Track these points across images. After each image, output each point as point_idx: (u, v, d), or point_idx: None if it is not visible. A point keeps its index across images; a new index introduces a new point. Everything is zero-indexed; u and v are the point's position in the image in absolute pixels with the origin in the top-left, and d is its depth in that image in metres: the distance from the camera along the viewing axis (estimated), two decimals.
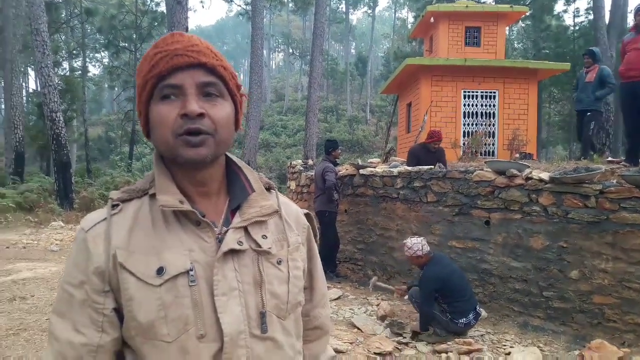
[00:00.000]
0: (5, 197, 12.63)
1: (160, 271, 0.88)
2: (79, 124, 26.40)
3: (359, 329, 4.98)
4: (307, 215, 1.17)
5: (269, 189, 1.09)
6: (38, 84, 14.21)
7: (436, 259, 4.78)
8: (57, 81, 16.73)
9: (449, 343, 4.41)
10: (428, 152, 7.29)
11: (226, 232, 0.94)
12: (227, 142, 0.95)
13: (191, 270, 0.89)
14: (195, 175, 0.96)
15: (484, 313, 5.21)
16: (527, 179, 5.14)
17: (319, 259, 1.19)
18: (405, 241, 4.97)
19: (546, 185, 4.97)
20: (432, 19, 13.69)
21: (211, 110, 0.91)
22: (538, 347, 4.49)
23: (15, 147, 16.95)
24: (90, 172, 20.96)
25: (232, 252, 0.93)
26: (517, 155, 6.82)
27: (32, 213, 12.50)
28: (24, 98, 32.23)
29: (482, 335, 4.81)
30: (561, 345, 4.58)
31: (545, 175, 5.02)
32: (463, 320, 4.54)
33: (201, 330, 0.88)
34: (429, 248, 4.84)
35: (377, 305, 5.67)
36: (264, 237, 0.99)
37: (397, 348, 4.46)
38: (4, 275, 6.32)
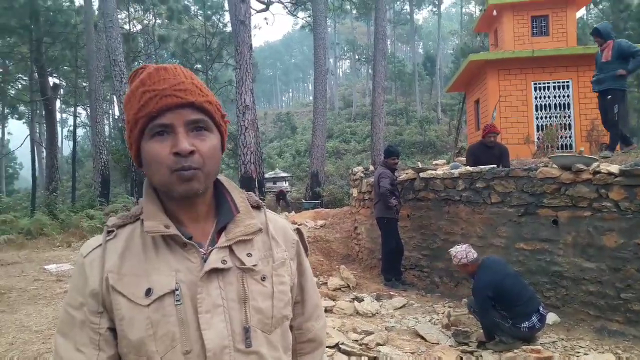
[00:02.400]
0: (94, 218, 13.57)
1: (148, 292, 0.94)
2: None
3: (422, 338, 4.86)
4: (297, 231, 1.21)
5: (258, 207, 1.14)
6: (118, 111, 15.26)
7: (486, 265, 4.59)
8: None
9: (516, 351, 4.19)
10: (486, 148, 7.00)
11: (211, 252, 0.99)
12: (215, 172, 1.02)
13: (176, 290, 0.95)
14: (185, 203, 1.02)
15: (555, 317, 4.93)
16: (595, 173, 4.80)
17: (311, 273, 1.23)
18: (450, 250, 4.82)
19: (616, 179, 4.63)
20: (494, 12, 13.22)
21: (200, 145, 0.97)
22: (616, 353, 4.17)
23: (101, 170, 18.19)
24: None
25: (217, 271, 0.98)
26: (581, 149, 6.37)
27: None
28: (110, 124, 34.69)
29: (553, 342, 4.53)
30: None
31: (614, 169, 4.67)
32: (526, 323, 4.31)
33: (186, 347, 0.94)
34: (475, 255, 4.65)
35: (443, 313, 5.51)
36: (249, 254, 1.03)
37: (461, 358, 4.30)
38: None
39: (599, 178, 4.75)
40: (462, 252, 4.65)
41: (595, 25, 7.50)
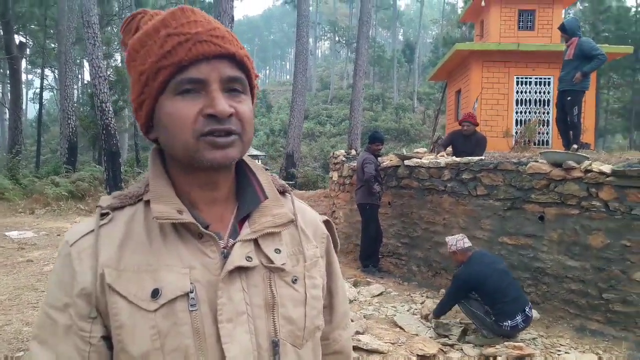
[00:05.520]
0: (59, 185, 13.09)
1: (155, 293, 0.75)
2: (130, 113, 27.09)
3: (401, 328, 4.77)
4: (326, 223, 1.02)
5: (283, 192, 0.95)
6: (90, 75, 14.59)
7: (475, 258, 4.51)
8: (107, 72, 17.13)
9: (497, 346, 4.14)
10: (464, 137, 6.95)
11: (233, 245, 0.81)
12: (251, 141, 0.84)
13: (191, 292, 0.76)
14: (207, 180, 0.83)
15: (535, 314, 4.90)
16: (586, 171, 4.75)
17: (340, 274, 1.05)
18: (446, 238, 4.79)
19: (607, 179, 4.58)
20: (483, 3, 13.11)
21: (238, 107, 0.78)
22: (597, 353, 4.16)
23: (69, 137, 17.53)
24: (139, 161, 21.47)
25: (240, 270, 0.79)
26: (575, 145, 6.34)
27: (83, 201, 12.93)
28: (79, 89, 33.52)
29: (534, 339, 4.50)
30: (623, 352, 4.21)
31: (606, 168, 4.62)
32: (509, 322, 4.23)
33: None
34: (465, 245, 4.58)
35: (422, 303, 5.43)
36: (277, 251, 0.85)
37: (442, 350, 4.23)
38: (53, 263, 6.49)
39: (590, 177, 4.69)
40: (454, 239, 4.62)
41: (563, 21, 7.29)
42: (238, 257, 0.79)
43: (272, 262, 0.83)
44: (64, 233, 8.93)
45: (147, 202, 0.82)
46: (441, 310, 4.63)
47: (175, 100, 0.76)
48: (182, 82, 0.75)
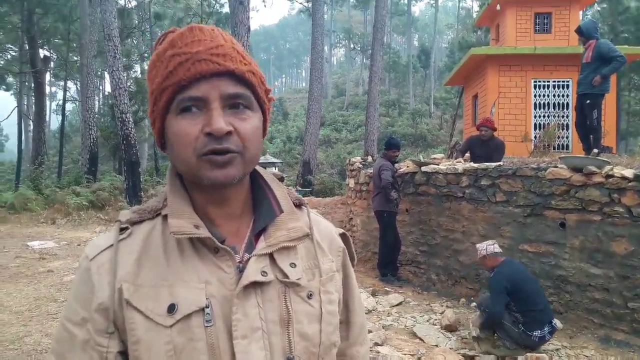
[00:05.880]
0: (80, 195, 13.27)
1: (171, 309, 0.76)
2: (149, 124, 27.38)
3: (421, 339, 4.70)
4: (342, 236, 1.02)
5: (299, 205, 0.95)
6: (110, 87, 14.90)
7: (507, 262, 4.43)
8: (127, 84, 17.38)
9: (519, 358, 4.05)
10: (481, 143, 6.85)
11: (248, 260, 0.81)
12: (256, 158, 0.84)
13: (207, 307, 0.76)
14: (217, 196, 0.83)
15: (558, 324, 4.79)
16: (608, 176, 4.65)
17: (357, 288, 1.04)
18: (477, 245, 4.73)
19: (630, 184, 4.48)
20: (498, 7, 13.02)
21: (239, 124, 0.79)
22: None
23: (90, 147, 17.81)
24: (158, 170, 21.69)
25: (255, 285, 0.79)
26: (596, 150, 6.19)
27: (103, 211, 13.06)
28: (100, 100, 34.10)
29: (557, 350, 4.39)
30: None
31: (629, 173, 4.51)
32: (538, 332, 4.11)
33: None
34: (494, 250, 4.50)
35: (442, 313, 5.35)
36: (293, 265, 0.85)
37: None
38: (73, 274, 6.55)
39: (612, 182, 4.59)
40: (484, 244, 4.57)
41: (580, 24, 7.15)
42: (253, 271, 0.79)
43: (287, 276, 0.83)
44: (84, 243, 9.06)
45: (165, 217, 0.82)
46: (491, 321, 4.27)
47: (178, 119, 0.78)
48: (182, 100, 0.77)
